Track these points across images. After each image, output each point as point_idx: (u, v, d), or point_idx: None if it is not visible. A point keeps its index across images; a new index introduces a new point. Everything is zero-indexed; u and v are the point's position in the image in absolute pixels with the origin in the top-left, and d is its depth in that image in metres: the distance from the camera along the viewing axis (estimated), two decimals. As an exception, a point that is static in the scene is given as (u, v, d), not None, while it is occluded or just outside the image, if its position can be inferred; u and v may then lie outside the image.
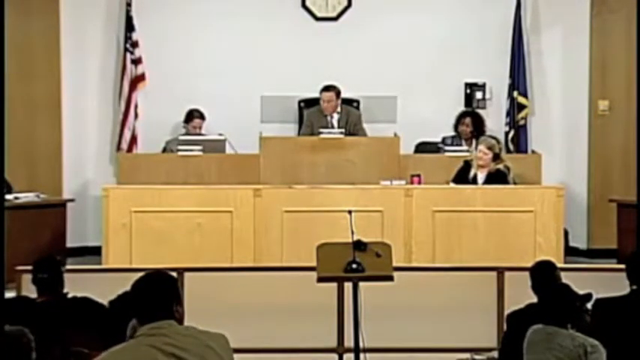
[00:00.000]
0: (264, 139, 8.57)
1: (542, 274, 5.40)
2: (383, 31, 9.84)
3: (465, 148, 8.92)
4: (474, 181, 8.17)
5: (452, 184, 8.20)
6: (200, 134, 9.29)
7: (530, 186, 8.25)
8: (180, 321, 3.44)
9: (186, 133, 9.28)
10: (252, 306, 6.74)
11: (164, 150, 9.27)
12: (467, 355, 6.01)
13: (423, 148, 9.37)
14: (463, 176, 8.22)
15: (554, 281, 5.30)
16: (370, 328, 5.79)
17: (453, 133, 9.34)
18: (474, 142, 9.13)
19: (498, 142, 8.57)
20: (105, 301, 5.29)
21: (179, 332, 3.35)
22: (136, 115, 9.63)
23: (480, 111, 9.74)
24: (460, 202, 7.91)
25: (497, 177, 8.14)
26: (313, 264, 5.78)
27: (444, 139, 9.25)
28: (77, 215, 9.29)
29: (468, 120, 9.31)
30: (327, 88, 9.18)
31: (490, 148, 8.23)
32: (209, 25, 9.82)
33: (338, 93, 9.20)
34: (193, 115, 9.41)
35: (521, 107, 9.78)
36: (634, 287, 5.37)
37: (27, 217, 8.38)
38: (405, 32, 9.83)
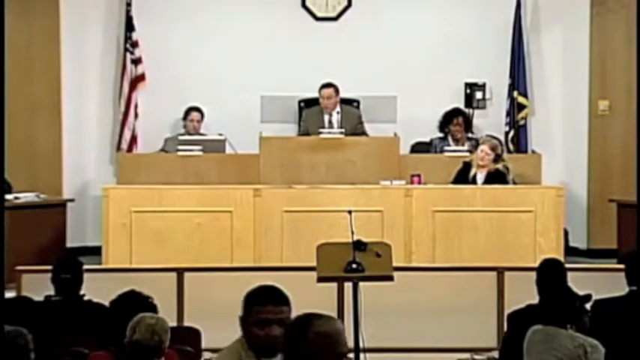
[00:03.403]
0: (264, 139, 8.56)
1: (548, 273, 5.40)
2: (383, 31, 9.84)
3: (465, 148, 8.90)
4: (474, 180, 8.17)
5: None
6: (199, 133, 9.28)
7: (530, 186, 8.25)
8: None
9: (186, 132, 9.28)
10: (252, 306, 6.73)
11: (163, 146, 9.26)
12: (467, 355, 6.02)
13: (419, 148, 9.35)
14: (463, 177, 8.21)
15: (560, 280, 5.31)
16: (370, 328, 5.79)
17: (439, 134, 9.32)
18: (466, 142, 9.09)
19: (501, 143, 8.55)
20: (104, 301, 5.30)
21: None
22: (136, 115, 9.63)
23: (479, 111, 9.74)
24: (460, 202, 7.90)
25: (496, 177, 8.14)
26: (313, 264, 5.79)
27: (431, 141, 9.25)
28: (77, 215, 9.29)
29: (460, 119, 9.24)
30: (326, 85, 9.20)
31: (493, 148, 8.21)
32: (209, 25, 9.82)
33: (337, 90, 9.20)
34: (188, 111, 9.37)
35: (521, 107, 9.77)
36: (633, 288, 5.38)
37: (27, 217, 8.38)
38: (405, 32, 9.83)
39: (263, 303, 3.34)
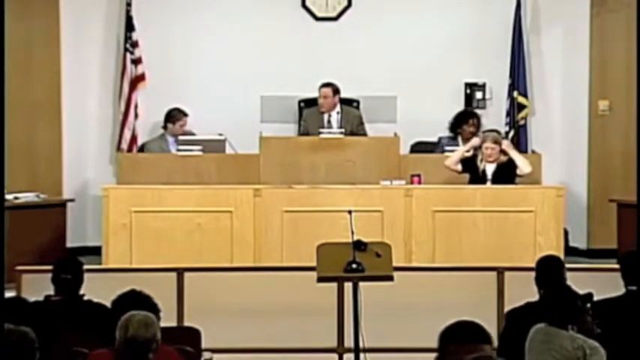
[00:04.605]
0: (264, 139, 8.57)
1: (547, 269, 5.40)
2: (383, 31, 9.84)
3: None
4: (484, 175, 8.15)
5: (459, 167, 8.19)
6: (185, 133, 9.20)
7: (530, 186, 8.24)
8: None
9: (169, 134, 9.20)
10: (252, 306, 6.74)
11: (141, 149, 9.24)
12: (467, 355, 6.00)
13: (418, 147, 9.34)
14: (471, 165, 8.19)
15: (559, 277, 5.31)
16: (370, 328, 5.79)
17: (449, 134, 9.29)
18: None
19: (499, 132, 8.55)
20: (104, 301, 5.31)
21: None
22: (136, 115, 9.62)
23: (479, 111, 9.74)
24: (460, 202, 7.90)
25: (507, 167, 8.13)
26: (313, 264, 5.79)
27: (440, 140, 9.21)
28: (77, 215, 9.29)
29: (475, 121, 9.07)
30: (324, 85, 9.21)
31: (496, 142, 8.23)
32: (209, 25, 9.82)
33: (335, 90, 9.19)
34: (178, 116, 9.21)
35: (521, 107, 9.77)
36: (632, 288, 5.37)
37: (27, 217, 8.39)
38: (404, 32, 9.83)
39: (459, 341, 3.11)
